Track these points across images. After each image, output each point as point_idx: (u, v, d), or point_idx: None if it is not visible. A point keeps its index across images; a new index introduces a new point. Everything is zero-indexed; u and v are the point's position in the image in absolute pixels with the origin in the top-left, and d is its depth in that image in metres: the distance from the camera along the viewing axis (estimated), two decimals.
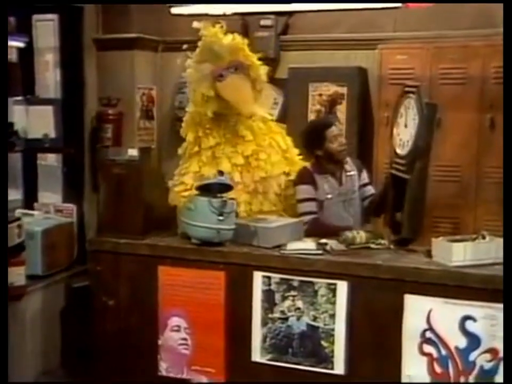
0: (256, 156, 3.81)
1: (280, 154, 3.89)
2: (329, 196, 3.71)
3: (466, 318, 2.88)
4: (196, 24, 3.85)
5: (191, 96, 3.87)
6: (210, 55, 3.76)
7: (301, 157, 4.00)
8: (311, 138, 3.81)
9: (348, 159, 3.86)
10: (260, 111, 3.84)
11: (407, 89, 3.40)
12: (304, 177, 3.75)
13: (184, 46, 4.10)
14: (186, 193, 3.63)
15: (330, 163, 3.76)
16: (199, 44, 3.82)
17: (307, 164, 3.84)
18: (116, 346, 3.51)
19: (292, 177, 3.84)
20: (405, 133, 3.35)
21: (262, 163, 3.80)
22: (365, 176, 3.88)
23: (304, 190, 3.72)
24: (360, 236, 3.30)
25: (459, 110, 4.66)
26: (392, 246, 3.31)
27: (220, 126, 3.80)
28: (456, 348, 2.91)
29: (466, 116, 4.64)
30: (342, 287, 3.07)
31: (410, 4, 4.78)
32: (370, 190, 3.87)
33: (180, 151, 3.93)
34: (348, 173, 3.79)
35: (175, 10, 5.40)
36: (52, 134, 4.46)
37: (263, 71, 3.88)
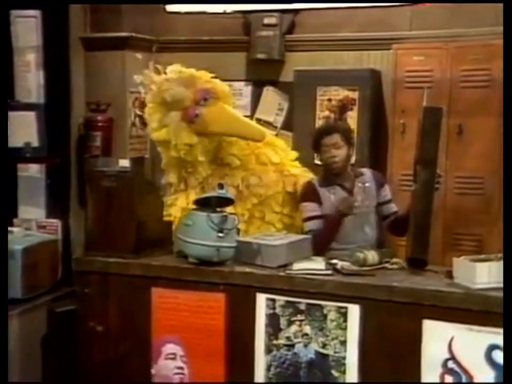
0: (247, 182, 3.84)
1: (273, 170, 3.90)
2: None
3: (493, 347, 2.83)
4: (137, 79, 3.79)
5: (171, 152, 3.77)
6: (169, 104, 3.71)
7: (300, 167, 4.01)
8: (312, 146, 3.80)
9: (367, 170, 3.86)
10: (263, 129, 3.82)
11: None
12: (307, 194, 3.77)
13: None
14: (173, 227, 3.64)
15: (333, 174, 3.75)
16: (149, 99, 3.78)
17: (313, 177, 3.85)
18: (104, 376, 3.49)
19: (291, 189, 3.88)
20: None
21: (254, 189, 3.82)
22: (387, 192, 3.82)
23: (307, 208, 3.74)
24: (372, 256, 3.28)
25: (482, 115, 4.68)
26: (405, 266, 3.31)
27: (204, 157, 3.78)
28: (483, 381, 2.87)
29: (490, 122, 4.64)
30: (354, 311, 3.05)
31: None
32: (392, 207, 3.80)
33: (163, 181, 3.93)
34: (361, 184, 3.75)
35: (171, 8, 5.46)
36: (35, 143, 4.47)
37: (226, 86, 3.87)
